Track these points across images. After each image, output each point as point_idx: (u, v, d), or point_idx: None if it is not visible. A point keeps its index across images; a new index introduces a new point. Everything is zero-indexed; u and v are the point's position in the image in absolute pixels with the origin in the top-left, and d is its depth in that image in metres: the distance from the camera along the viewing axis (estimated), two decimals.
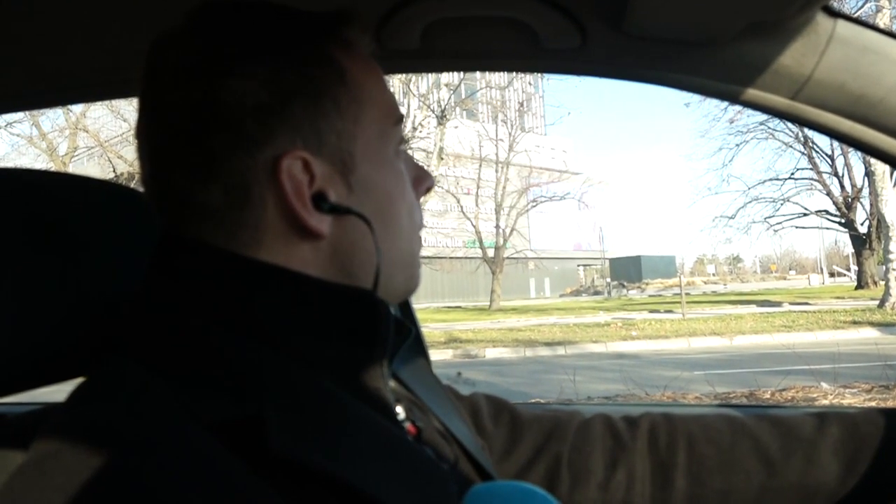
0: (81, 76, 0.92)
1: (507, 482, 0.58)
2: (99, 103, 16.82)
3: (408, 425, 0.57)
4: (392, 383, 0.60)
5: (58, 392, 0.50)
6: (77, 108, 17.86)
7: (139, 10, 0.75)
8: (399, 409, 0.56)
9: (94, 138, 18.60)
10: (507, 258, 26.89)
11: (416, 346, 0.65)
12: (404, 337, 0.57)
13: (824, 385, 5.16)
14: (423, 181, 0.62)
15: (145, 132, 0.52)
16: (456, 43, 0.82)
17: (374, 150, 0.55)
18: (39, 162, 17.99)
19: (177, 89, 0.50)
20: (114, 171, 18.42)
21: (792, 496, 0.74)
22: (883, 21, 12.12)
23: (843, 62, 0.72)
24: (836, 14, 0.71)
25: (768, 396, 5.01)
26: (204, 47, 0.50)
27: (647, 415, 0.82)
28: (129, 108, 17.38)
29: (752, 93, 0.79)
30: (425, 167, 0.64)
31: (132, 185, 0.71)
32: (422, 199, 0.63)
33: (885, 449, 0.73)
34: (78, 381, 0.48)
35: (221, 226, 0.50)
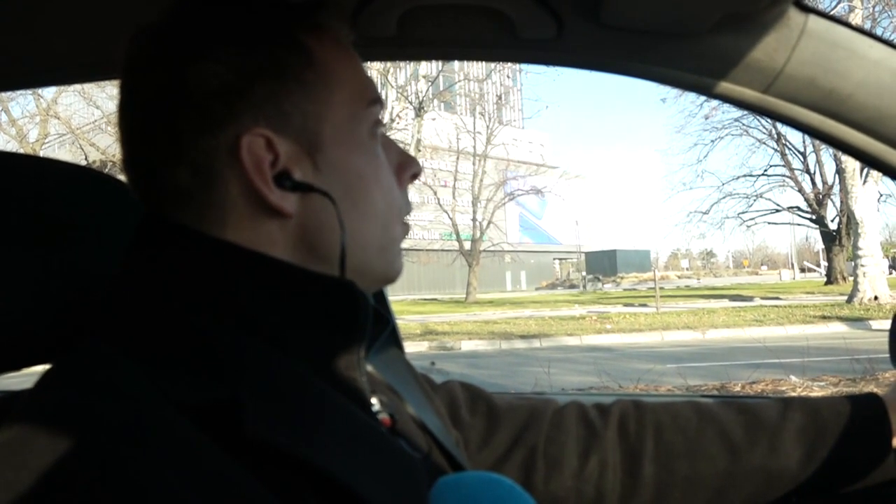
0: (51, 58, 0.90)
1: (473, 473, 0.59)
2: (71, 90, 16.55)
3: (382, 416, 0.57)
4: (369, 368, 0.60)
5: (25, 382, 0.49)
6: (48, 95, 17.48)
7: None
8: (374, 400, 0.57)
9: (66, 125, 18.25)
10: (484, 251, 26.98)
11: (390, 336, 0.65)
12: (381, 327, 0.58)
13: (793, 378, 5.27)
14: (407, 167, 0.62)
15: (123, 118, 0.54)
16: (433, 31, 0.81)
17: (344, 131, 0.55)
18: (9, 148, 17.57)
19: (149, 74, 0.52)
20: (85, 158, 18.10)
21: (755, 480, 0.76)
22: (855, 21, 12.30)
23: (814, 57, 0.73)
24: (807, 9, 0.72)
25: (739, 389, 5.10)
26: (175, 35, 0.52)
27: (618, 402, 0.83)
28: (101, 96, 17.11)
29: (725, 86, 0.80)
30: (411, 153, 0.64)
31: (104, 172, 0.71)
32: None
33: (845, 434, 0.76)
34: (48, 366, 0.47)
35: (190, 206, 0.51)
